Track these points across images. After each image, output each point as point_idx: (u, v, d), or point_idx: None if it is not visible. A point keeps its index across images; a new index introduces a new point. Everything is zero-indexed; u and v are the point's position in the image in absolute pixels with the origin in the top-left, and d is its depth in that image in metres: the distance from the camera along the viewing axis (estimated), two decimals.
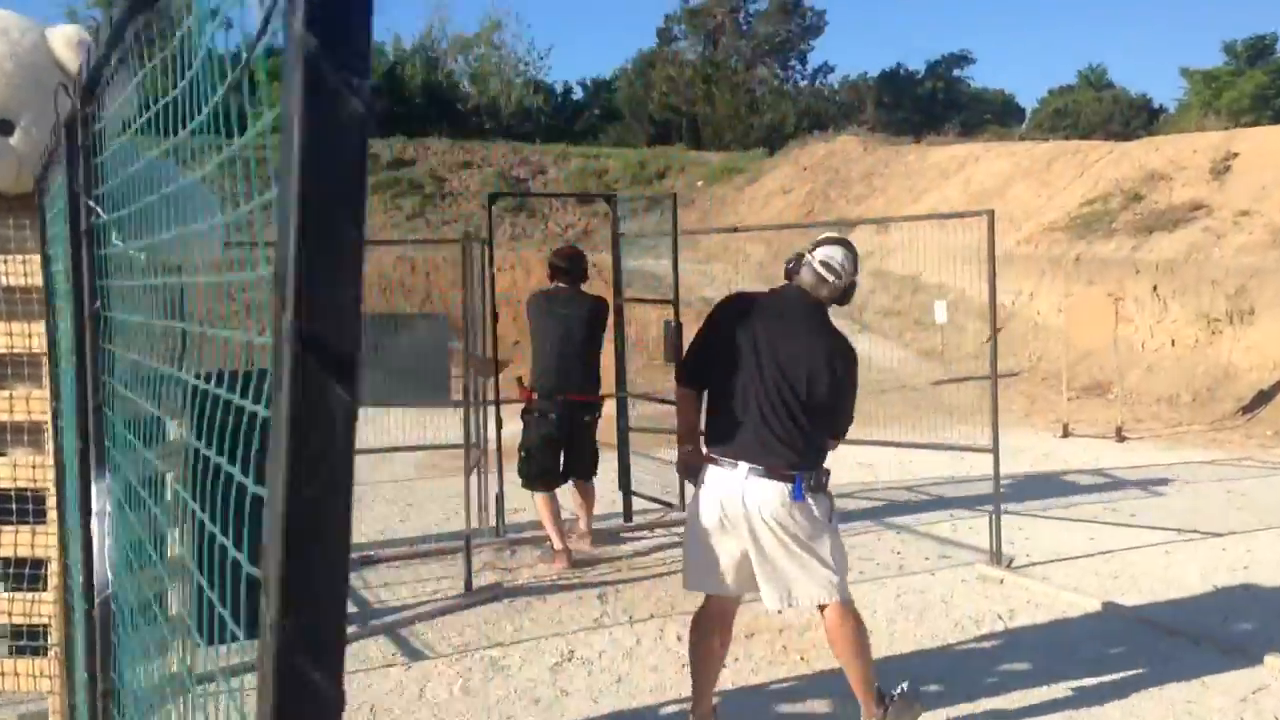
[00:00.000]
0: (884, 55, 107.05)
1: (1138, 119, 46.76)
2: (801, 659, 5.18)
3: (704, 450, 4.22)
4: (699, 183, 29.80)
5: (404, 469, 9.99)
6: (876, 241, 21.43)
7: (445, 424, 8.47)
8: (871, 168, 27.49)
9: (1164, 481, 9.10)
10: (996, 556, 6.57)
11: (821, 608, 4.20)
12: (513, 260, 22.27)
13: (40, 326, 3.04)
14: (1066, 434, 11.64)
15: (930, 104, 50.75)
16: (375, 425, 10.62)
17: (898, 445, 7.88)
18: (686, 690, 4.77)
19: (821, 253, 4.23)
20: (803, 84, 49.81)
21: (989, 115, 51.07)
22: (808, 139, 31.47)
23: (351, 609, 5.99)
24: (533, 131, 38.30)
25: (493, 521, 7.47)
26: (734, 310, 4.27)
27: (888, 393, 14.66)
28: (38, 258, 3.03)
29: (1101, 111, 48.25)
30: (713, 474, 4.12)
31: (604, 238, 26.29)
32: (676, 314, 7.79)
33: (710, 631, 4.31)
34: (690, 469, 4.30)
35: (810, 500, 4.02)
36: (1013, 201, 21.34)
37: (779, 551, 4.05)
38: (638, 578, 6.53)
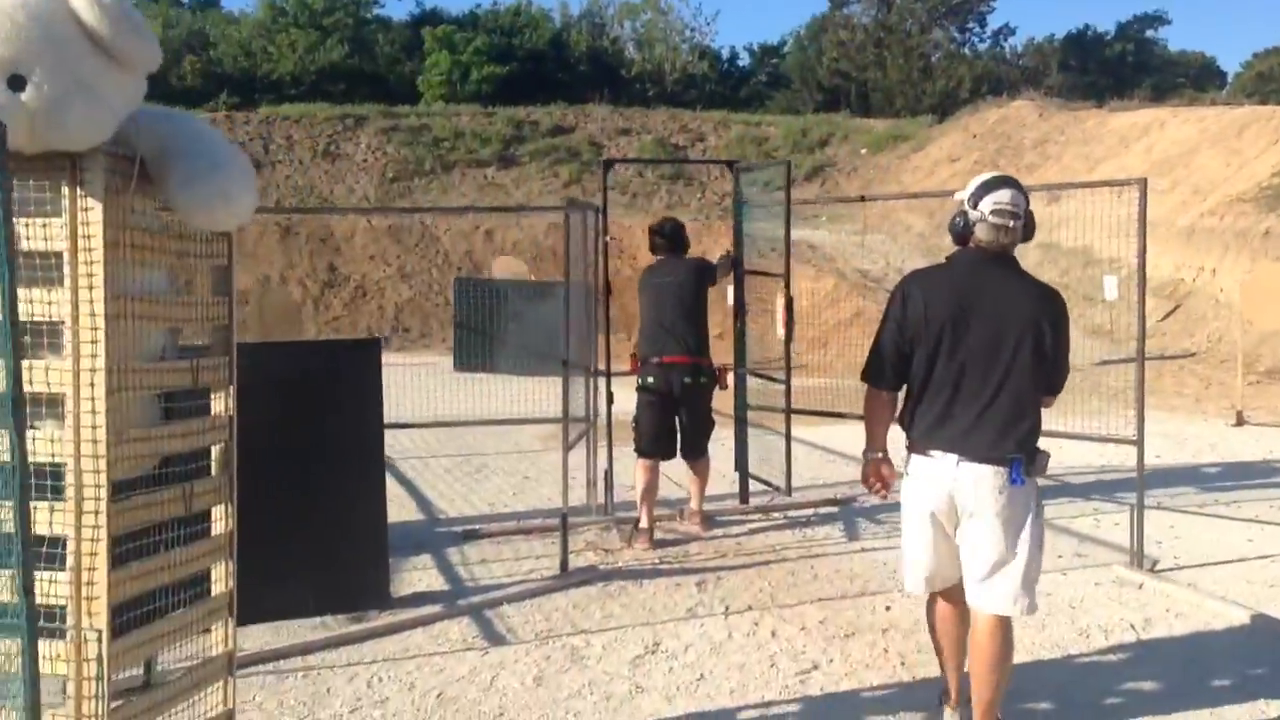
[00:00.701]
0: (1070, 16, 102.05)
1: None
2: (903, 663, 4.78)
3: (909, 441, 3.88)
4: (863, 150, 28.98)
5: (529, 440, 9.90)
6: (1046, 213, 20.06)
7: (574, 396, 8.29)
8: (1046, 134, 26.18)
9: None
10: (1138, 558, 5.99)
11: (984, 615, 3.81)
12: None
13: (61, 293, 2.92)
14: (1240, 422, 10.73)
15: (1119, 67, 48.16)
16: (506, 394, 10.62)
17: None
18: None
19: (988, 201, 3.77)
20: (981, 47, 47.93)
21: (1183, 79, 48.16)
22: (980, 105, 30.18)
23: (444, 586, 5.88)
24: (697, 98, 37.94)
25: (600, 499, 7.26)
26: (916, 293, 3.87)
27: None
28: (57, 221, 2.91)
29: None
30: (920, 467, 3.83)
31: (761, 209, 25.92)
32: (788, 286, 7.40)
33: (951, 620, 3.97)
34: (879, 479, 4.00)
35: (1028, 486, 3.70)
36: (1198, 170, 19.96)
37: (990, 545, 3.72)
38: (742, 565, 6.22)
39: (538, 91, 33.54)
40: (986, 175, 3.96)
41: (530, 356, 13.15)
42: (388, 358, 16.71)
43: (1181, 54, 53.69)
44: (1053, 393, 3.92)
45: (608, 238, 7.28)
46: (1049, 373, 3.81)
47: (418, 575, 6.05)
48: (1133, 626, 5.18)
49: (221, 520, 3.43)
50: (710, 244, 22.10)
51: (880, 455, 4.01)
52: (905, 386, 3.94)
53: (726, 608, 5.48)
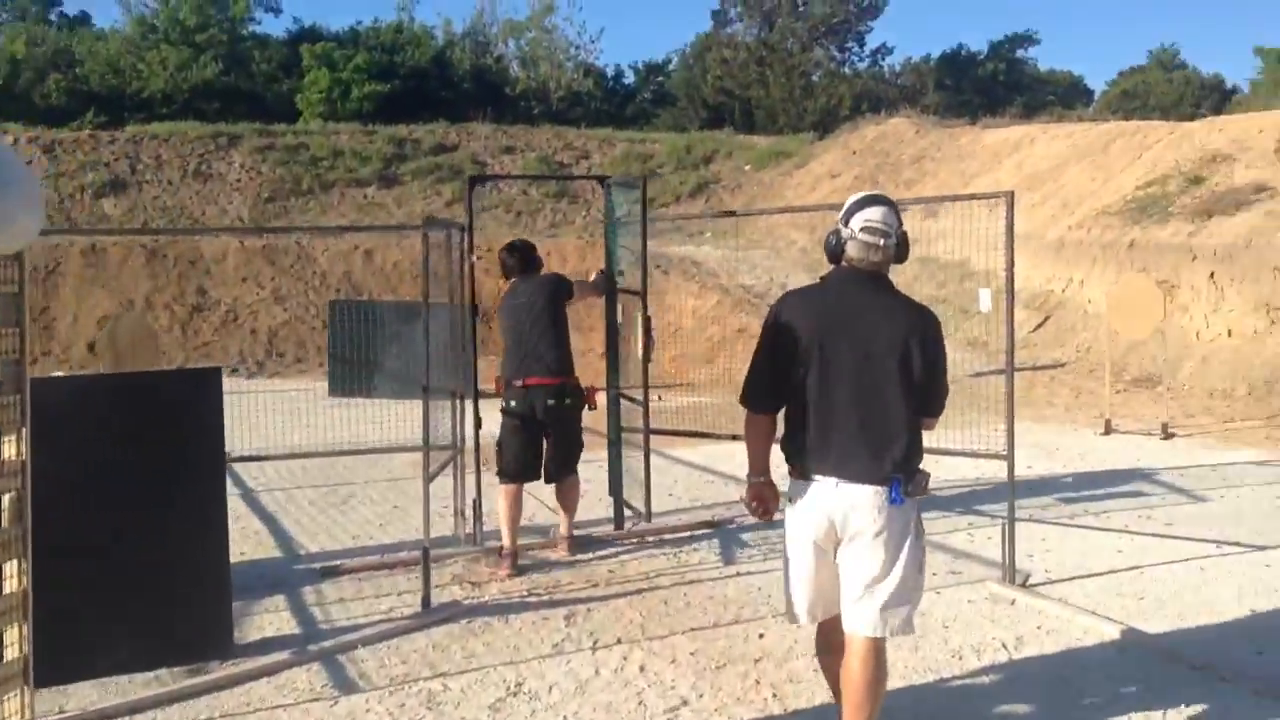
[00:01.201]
0: (945, 36, 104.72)
1: (1209, 100, 45.13)
2: (774, 695, 4.61)
3: (791, 467, 3.78)
4: (746, 167, 29.12)
5: (401, 467, 9.54)
6: (923, 227, 20.48)
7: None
8: (923, 151, 26.63)
9: (1208, 485, 8.37)
10: (1010, 574, 5.94)
11: (855, 639, 3.71)
12: (549, 248, 21.90)
13: None
14: (1109, 431, 10.89)
15: (992, 85, 49.50)
16: (383, 420, 10.25)
17: None
18: None
19: (859, 219, 3.72)
20: (861, 66, 48.75)
21: (1053, 97, 49.65)
22: (859, 122, 30.61)
23: (296, 630, 5.54)
24: (582, 116, 37.79)
25: (469, 529, 6.99)
26: (790, 314, 3.78)
27: None
28: None
29: (1172, 93, 46.74)
30: (801, 491, 3.73)
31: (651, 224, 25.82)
32: (645, 305, 7.27)
33: (836, 647, 3.84)
34: (761, 502, 3.87)
35: (908, 506, 3.64)
36: (1068, 184, 20.45)
37: (867, 567, 3.63)
38: (614, 594, 6.00)
39: (421, 110, 33.00)
40: (860, 194, 3.87)
41: (409, 381, 12.77)
42: (260, 384, 16.13)
43: (1050, 73, 55.40)
44: (930, 414, 3.85)
45: (474, 257, 7.03)
46: (923, 393, 3.72)
47: (268, 619, 5.70)
48: (1005, 645, 5.10)
49: (13, 579, 3.08)
50: (594, 261, 21.95)
51: (762, 479, 3.90)
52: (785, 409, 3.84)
53: (595, 642, 5.26)
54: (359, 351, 14.79)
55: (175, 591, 4.95)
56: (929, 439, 7.15)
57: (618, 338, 7.36)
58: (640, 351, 7.24)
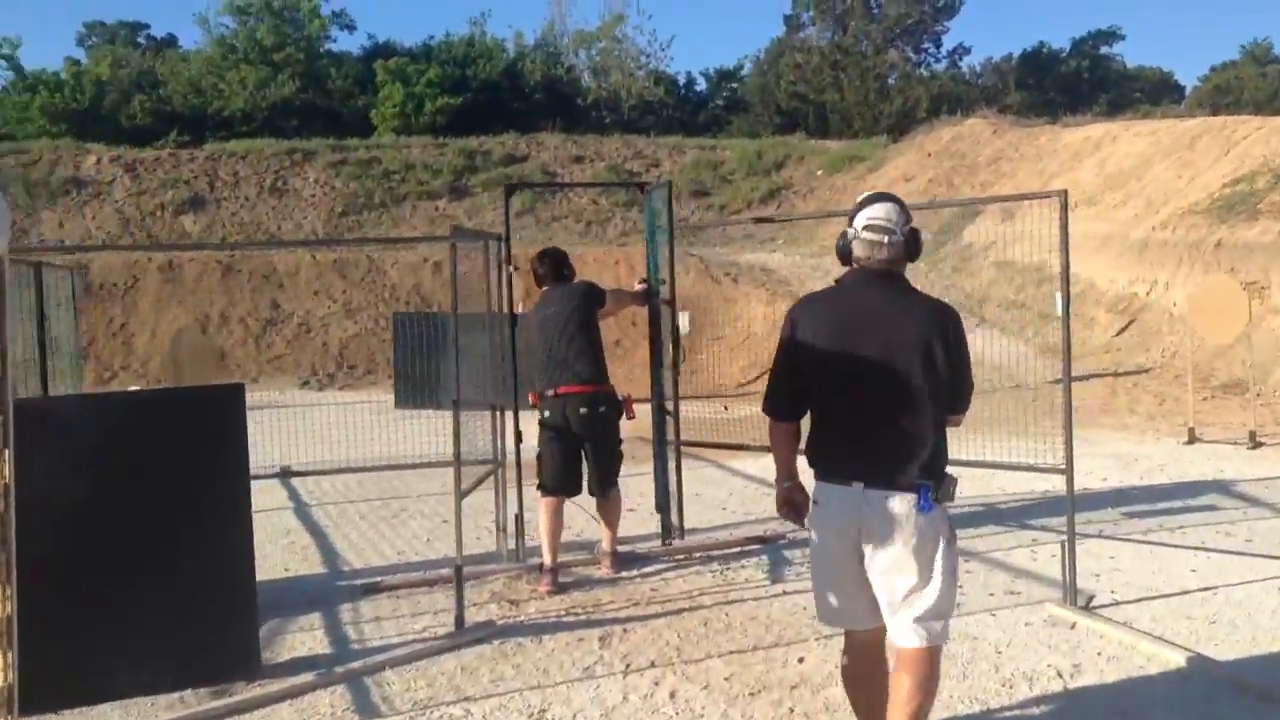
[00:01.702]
0: (1025, 35, 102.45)
1: None
2: None
3: (815, 470, 3.70)
4: (818, 172, 28.75)
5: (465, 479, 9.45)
6: (1000, 230, 20.06)
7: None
8: (1000, 151, 26.04)
9: None
10: (1071, 595, 5.62)
11: (903, 649, 3.60)
12: (618, 257, 21.79)
13: None
14: (1192, 440, 10.41)
15: (1075, 83, 48.38)
16: (446, 431, 10.18)
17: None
18: None
19: (862, 218, 3.68)
20: (938, 67, 47.98)
21: (1139, 94, 48.41)
22: (934, 124, 30.06)
23: (327, 649, 5.43)
24: (654, 124, 37.72)
25: (511, 545, 6.85)
26: (806, 319, 3.70)
27: (998, 392, 13.52)
28: None
29: (1266, 88, 45.22)
30: (826, 495, 3.64)
31: (717, 231, 25.62)
32: (674, 314, 7.06)
33: (861, 674, 3.79)
34: (792, 507, 3.80)
35: (937, 513, 3.53)
36: (1151, 183, 19.79)
37: (900, 576, 3.54)
38: (653, 614, 5.80)
39: (493, 122, 33.21)
40: (866, 193, 3.81)
41: (474, 392, 12.73)
42: (329, 397, 16.21)
43: (1139, 69, 54.02)
44: (957, 412, 3.72)
45: (511, 268, 6.89)
46: (949, 392, 3.60)
47: (301, 638, 5.60)
48: (1060, 674, 4.79)
49: None
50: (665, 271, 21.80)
51: (790, 483, 3.83)
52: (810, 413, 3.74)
53: (627, 665, 5.06)
54: (424, 363, 14.80)
55: (199, 612, 4.87)
56: (985, 451, 6.90)
57: (661, 348, 7.14)
58: (669, 359, 7.02)
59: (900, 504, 3.49)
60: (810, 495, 3.78)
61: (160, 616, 4.80)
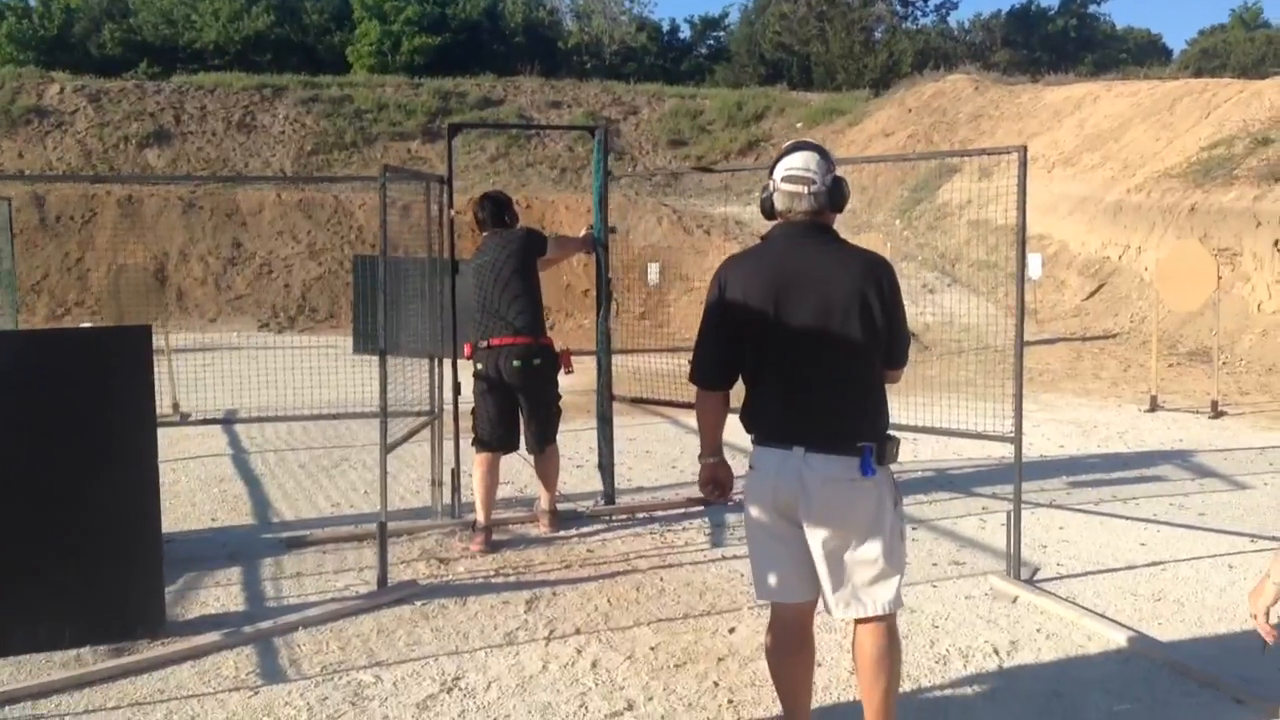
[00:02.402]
0: None
1: None
2: (730, 701, 4.18)
3: (752, 435, 3.49)
4: (798, 125, 28.38)
5: (403, 430, 9.21)
6: (976, 189, 19.81)
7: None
8: (981, 109, 25.73)
9: (1253, 470, 7.77)
10: (1015, 568, 5.45)
11: (859, 620, 3.45)
12: (586, 203, 21.43)
13: None
14: (1154, 407, 10.26)
15: (1062, 42, 47.99)
16: (401, 378, 9.91)
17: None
18: None
19: (780, 169, 3.46)
20: (924, 21, 47.45)
21: (1125, 55, 48.06)
22: (916, 79, 29.69)
23: (241, 607, 5.21)
24: (636, 72, 37.19)
25: (447, 500, 6.63)
26: (736, 278, 3.47)
27: (964, 354, 13.36)
28: None
29: (1254, 52, 44.88)
30: (763, 460, 3.43)
31: (693, 182, 25.25)
32: (603, 265, 6.84)
33: (789, 649, 3.57)
34: (716, 484, 3.62)
35: (881, 475, 3.35)
36: (1130, 145, 19.56)
37: (844, 543, 3.36)
38: (586, 577, 5.60)
39: (471, 63, 32.63)
40: (788, 143, 3.57)
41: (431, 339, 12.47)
42: (288, 340, 15.92)
43: (1127, 30, 53.67)
44: (894, 366, 3.55)
45: (453, 212, 6.61)
46: (886, 346, 3.42)
47: (216, 593, 5.38)
48: (996, 651, 4.62)
49: None
50: (635, 219, 21.47)
51: (714, 459, 3.61)
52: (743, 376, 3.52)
53: (551, 632, 4.86)
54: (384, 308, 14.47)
55: (100, 565, 4.63)
56: (948, 414, 6.71)
57: (606, 302, 6.87)
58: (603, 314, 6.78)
59: (843, 467, 3.31)
60: (732, 473, 3.62)
61: (58, 570, 4.56)
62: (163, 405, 10.13)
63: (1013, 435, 5.45)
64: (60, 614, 4.57)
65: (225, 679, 4.38)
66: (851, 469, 3.31)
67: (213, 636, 4.72)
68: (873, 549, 3.35)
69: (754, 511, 3.50)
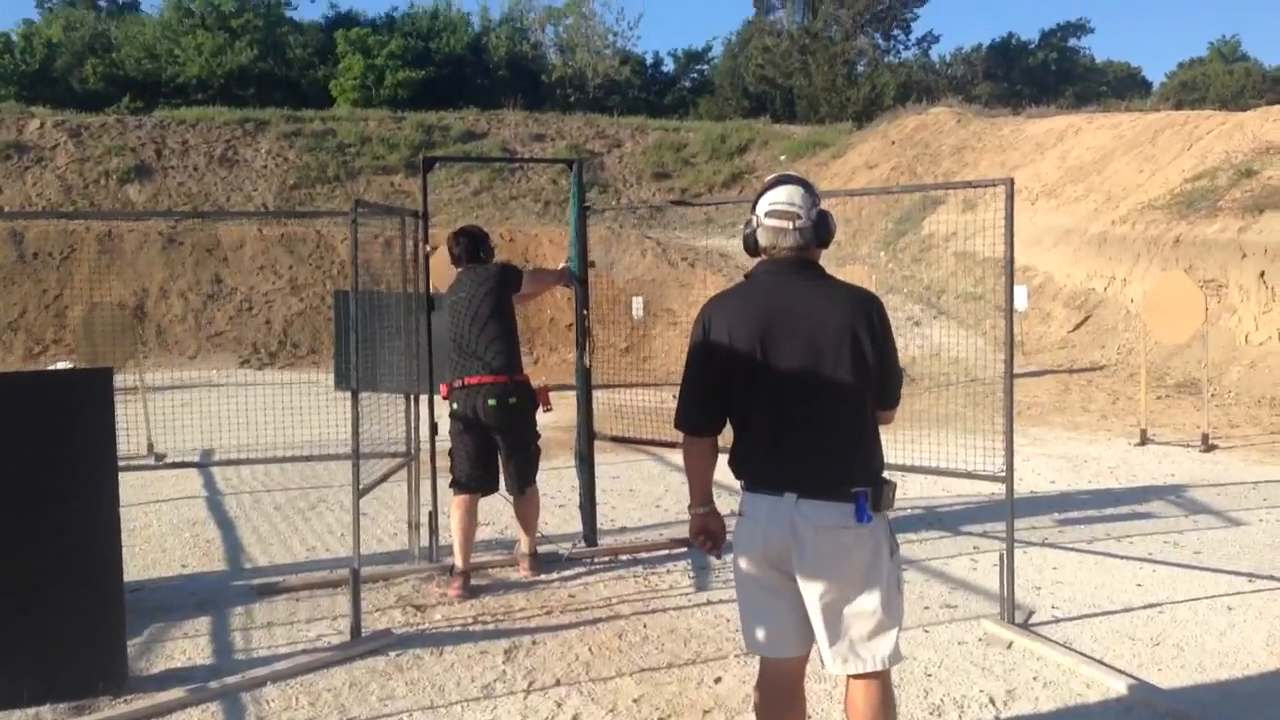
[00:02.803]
0: (994, 25, 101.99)
1: (1272, 92, 43.63)
2: None
3: (742, 482, 3.34)
4: (781, 157, 28.41)
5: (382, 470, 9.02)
6: (962, 221, 19.82)
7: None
8: (964, 141, 25.82)
9: (1247, 506, 7.64)
10: (1009, 612, 5.29)
11: (854, 675, 3.27)
12: (569, 237, 21.33)
13: None
14: (1144, 441, 10.14)
15: (1043, 75, 48.41)
16: (382, 415, 9.74)
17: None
18: None
19: (764, 204, 3.34)
20: (906, 55, 47.77)
21: (1105, 88, 48.42)
22: (899, 111, 29.79)
23: (208, 659, 5.01)
24: (620, 104, 37.25)
25: (425, 543, 6.45)
26: (721, 319, 3.31)
27: (953, 387, 13.25)
28: None
29: (1232, 84, 45.28)
30: (753, 507, 3.29)
31: (677, 215, 25.20)
32: (585, 301, 6.70)
33: (778, 706, 3.40)
34: (708, 535, 3.44)
35: (877, 522, 3.20)
36: (1112, 177, 19.60)
37: (840, 595, 3.20)
38: (567, 624, 5.42)
39: (455, 97, 32.63)
40: (770, 176, 3.44)
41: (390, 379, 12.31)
42: (269, 376, 15.71)
43: (1107, 64, 54.11)
44: (887, 406, 3.40)
45: (428, 248, 6.47)
46: (878, 385, 3.28)
47: (182, 646, 5.18)
48: (992, 700, 4.45)
49: None
50: (619, 252, 21.37)
51: (705, 510, 3.44)
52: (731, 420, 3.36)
53: (530, 684, 4.68)
54: (366, 342, 14.32)
55: (59, 618, 4.44)
56: (935, 450, 6.57)
57: (584, 337, 6.73)
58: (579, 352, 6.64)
59: (837, 514, 3.17)
60: (724, 524, 3.45)
61: (14, 623, 4.37)
62: (139, 445, 9.94)
63: (1004, 475, 5.30)
64: (17, 670, 4.38)
65: None
66: (846, 516, 3.16)
67: (177, 693, 4.53)
68: (870, 600, 3.20)
69: (743, 562, 3.33)
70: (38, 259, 18.52)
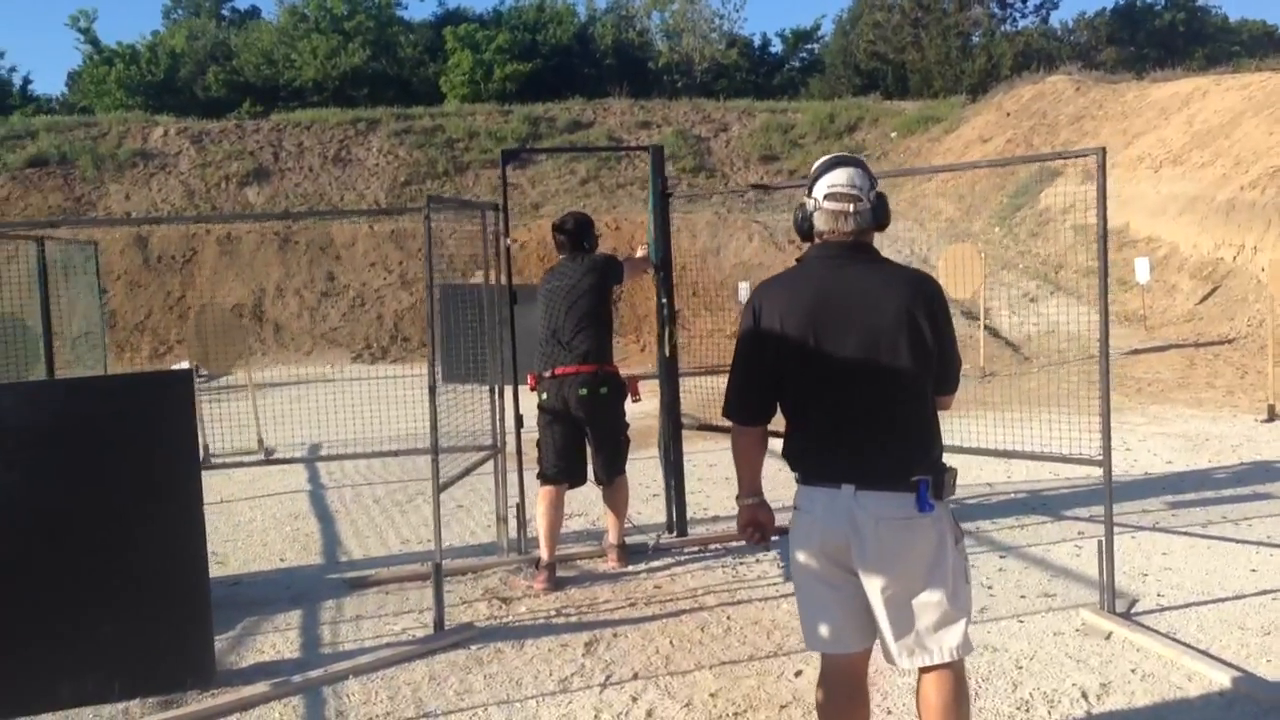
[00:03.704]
0: None
1: None
2: None
3: (797, 474, 3.24)
4: (892, 134, 27.83)
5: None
6: (1080, 192, 19.10)
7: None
8: (1083, 109, 24.89)
9: None
10: (1109, 600, 5.05)
11: (924, 669, 3.18)
12: (679, 224, 21.24)
13: None
14: (1272, 417, 9.64)
15: (1170, 37, 46.38)
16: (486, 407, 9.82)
17: (973, 452, 5.83)
18: None
19: (822, 186, 3.23)
20: (1024, 23, 46.30)
21: (1238, 48, 46.25)
22: (1015, 81, 28.89)
23: (296, 653, 5.09)
24: (726, 89, 36.98)
25: (513, 535, 6.47)
26: (774, 305, 3.22)
27: (1068, 364, 12.80)
28: None
29: None
30: (810, 501, 3.19)
31: (785, 198, 24.91)
32: (669, 288, 6.56)
33: (841, 704, 3.30)
34: (757, 527, 3.37)
35: (939, 511, 3.09)
36: (1241, 141, 18.65)
37: (904, 587, 3.10)
38: (650, 616, 5.36)
39: (563, 88, 32.79)
40: (824, 158, 3.31)
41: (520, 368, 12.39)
42: (381, 370, 16.01)
43: (1241, 23, 51.71)
44: (946, 392, 3.29)
45: (509, 241, 6.46)
46: (938, 370, 3.17)
47: (273, 639, 5.27)
48: (1085, 695, 4.25)
49: None
50: (726, 238, 21.22)
51: (755, 500, 3.34)
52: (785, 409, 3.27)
53: (607, 677, 4.64)
54: (470, 337, 14.49)
55: (148, 614, 4.55)
56: (1036, 434, 6.32)
57: (673, 326, 6.65)
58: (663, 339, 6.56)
59: (898, 504, 3.06)
60: (773, 514, 3.37)
61: (106, 621, 4.49)
62: (249, 442, 10.22)
63: (1100, 458, 5.05)
64: (109, 666, 4.50)
65: None
66: (907, 506, 3.05)
67: (262, 687, 4.60)
68: (935, 592, 3.09)
69: (801, 557, 3.24)
70: (161, 262, 19.20)
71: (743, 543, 6.47)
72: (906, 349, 3.09)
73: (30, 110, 35.17)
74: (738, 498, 3.38)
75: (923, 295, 3.14)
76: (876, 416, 3.12)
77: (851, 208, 3.16)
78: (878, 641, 3.19)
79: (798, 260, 3.31)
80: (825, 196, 3.19)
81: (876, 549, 3.06)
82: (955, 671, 3.16)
